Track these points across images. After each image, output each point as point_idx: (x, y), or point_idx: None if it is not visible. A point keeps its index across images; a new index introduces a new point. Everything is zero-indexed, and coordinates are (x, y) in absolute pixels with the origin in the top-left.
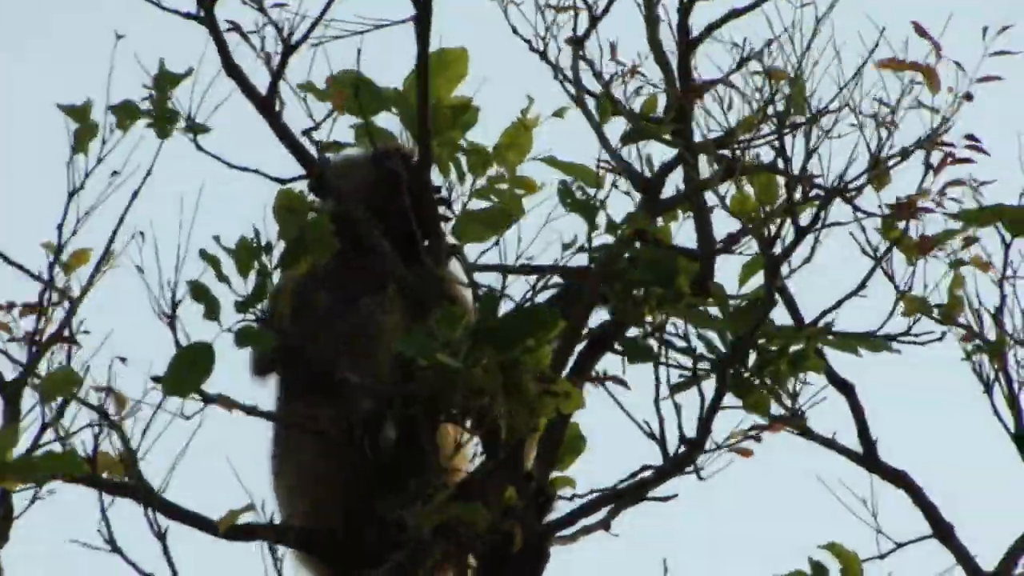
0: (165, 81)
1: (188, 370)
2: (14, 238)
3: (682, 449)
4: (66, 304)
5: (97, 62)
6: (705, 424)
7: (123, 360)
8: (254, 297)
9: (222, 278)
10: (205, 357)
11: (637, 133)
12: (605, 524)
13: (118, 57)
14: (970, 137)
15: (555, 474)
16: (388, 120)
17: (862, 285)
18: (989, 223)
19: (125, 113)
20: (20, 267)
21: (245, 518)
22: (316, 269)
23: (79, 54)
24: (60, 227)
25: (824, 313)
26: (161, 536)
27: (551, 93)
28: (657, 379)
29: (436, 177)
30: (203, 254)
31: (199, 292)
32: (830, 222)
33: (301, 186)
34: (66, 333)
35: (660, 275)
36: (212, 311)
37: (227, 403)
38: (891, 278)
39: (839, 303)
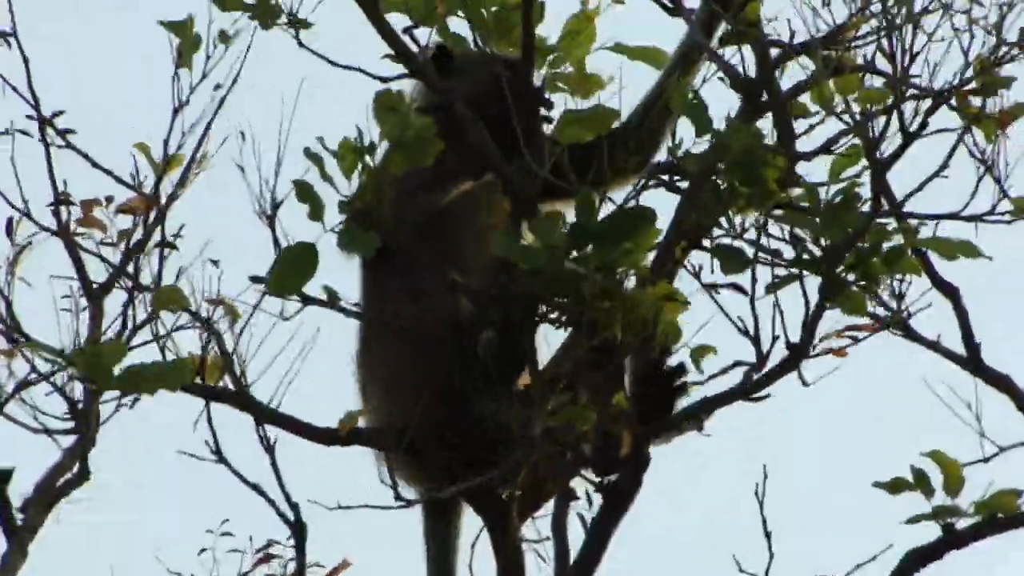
0: None
1: (292, 269)
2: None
3: (785, 354)
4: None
5: None
6: (810, 328)
7: (215, 263)
8: (358, 197)
9: (326, 178)
10: (309, 256)
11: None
12: (698, 425)
13: None
14: None
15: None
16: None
17: (945, 164)
18: None
19: (229, 3)
20: (108, 172)
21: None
22: (417, 170)
23: None
24: (166, 142)
25: (909, 195)
26: (270, 448)
27: None
28: (754, 279)
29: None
30: (307, 153)
31: (304, 191)
32: (937, 128)
33: (401, 86)
34: (158, 237)
35: (747, 173)
36: (316, 211)
37: (332, 302)
38: (997, 181)
39: (923, 184)
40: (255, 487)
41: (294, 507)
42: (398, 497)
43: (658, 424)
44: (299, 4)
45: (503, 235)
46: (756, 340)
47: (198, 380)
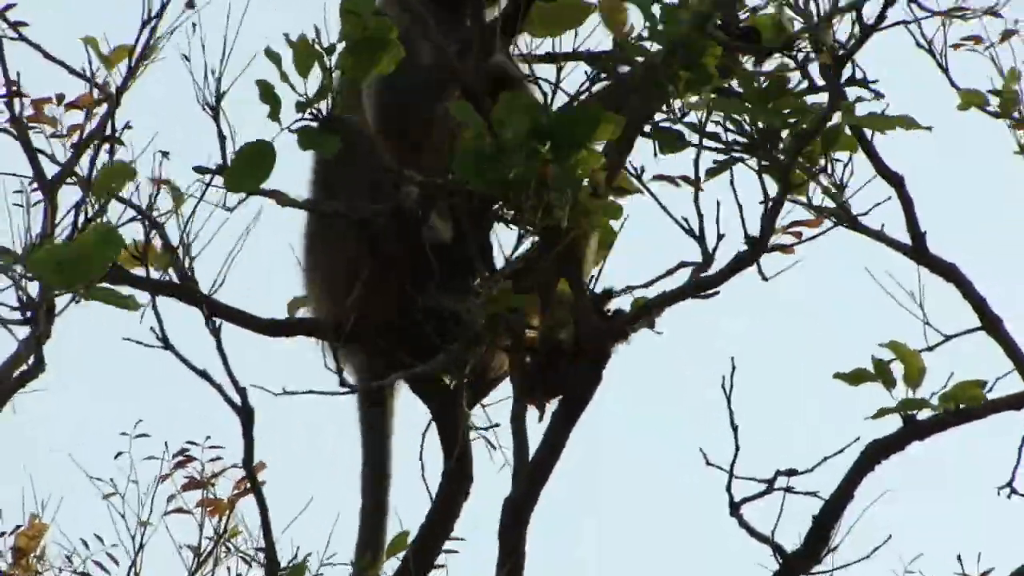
0: None
1: (249, 166)
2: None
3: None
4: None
5: None
6: (770, 219)
7: (165, 154)
8: (316, 97)
9: (284, 78)
10: (266, 154)
11: None
12: (649, 322)
13: None
14: None
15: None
16: None
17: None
18: None
19: None
20: (61, 63)
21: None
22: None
23: None
24: (131, 50)
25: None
26: (215, 332)
27: None
28: (697, 173)
29: None
30: (267, 52)
31: (265, 90)
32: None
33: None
34: (108, 131)
35: (686, 57)
36: (275, 110)
37: (280, 197)
38: (942, 68)
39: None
40: (202, 373)
41: (241, 392)
42: (343, 383)
43: (609, 323)
44: None
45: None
46: (701, 238)
47: (141, 270)
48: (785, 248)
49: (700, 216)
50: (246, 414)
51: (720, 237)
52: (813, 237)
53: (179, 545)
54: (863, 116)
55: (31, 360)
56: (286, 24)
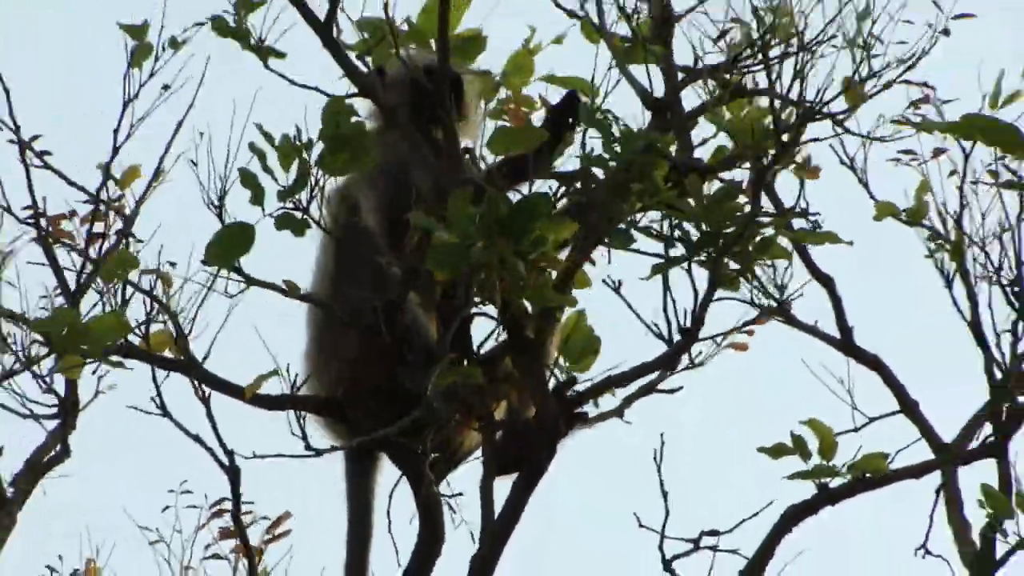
0: (243, 6)
1: (230, 244)
2: (73, 144)
3: (677, 339)
4: (121, 217)
5: None
6: (699, 313)
7: (173, 264)
8: (294, 188)
9: (267, 169)
10: (245, 234)
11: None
12: (619, 412)
13: None
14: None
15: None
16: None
17: (795, 139)
18: (955, 132)
19: (222, 27)
20: (80, 188)
21: (271, 385)
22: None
23: None
24: (115, 131)
25: (790, 210)
26: (205, 400)
27: (549, 22)
28: (666, 287)
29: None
30: (251, 147)
31: (247, 178)
32: (809, 138)
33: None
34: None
35: (639, 172)
36: (257, 197)
37: (292, 289)
38: (865, 184)
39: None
40: (195, 437)
41: (229, 454)
42: (308, 447)
43: (564, 407)
44: (267, 30)
45: (422, 214)
46: (669, 340)
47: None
48: (740, 347)
49: (668, 320)
50: (233, 473)
51: (679, 330)
52: (745, 325)
53: None
54: (796, 231)
55: (58, 448)
56: (275, 119)
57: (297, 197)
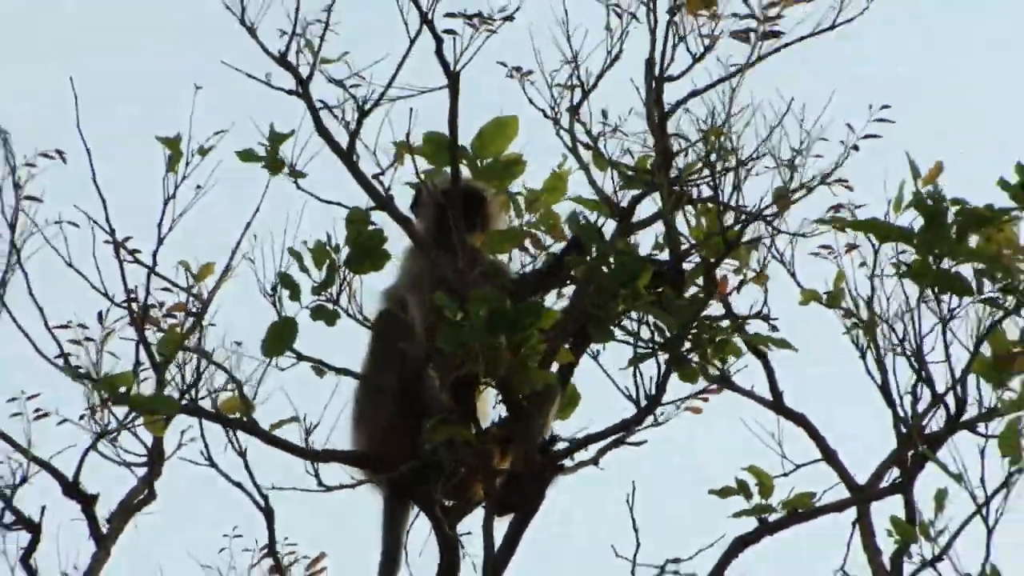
0: (275, 138)
1: (278, 338)
2: (125, 230)
3: (644, 403)
4: (197, 306)
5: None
6: (660, 386)
7: (239, 343)
8: (325, 283)
9: (303, 269)
10: (290, 327)
11: (629, 180)
12: (595, 461)
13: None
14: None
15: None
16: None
17: (732, 242)
18: (862, 230)
19: (246, 156)
20: (171, 281)
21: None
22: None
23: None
24: (159, 225)
25: (741, 318)
26: (242, 453)
27: (553, 146)
28: (636, 365)
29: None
30: (290, 251)
31: (285, 279)
32: (749, 239)
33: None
34: (197, 332)
35: (626, 279)
36: (295, 293)
37: (319, 365)
38: (793, 275)
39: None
40: (236, 484)
41: (264, 497)
42: (320, 483)
43: (548, 461)
44: (298, 156)
45: (443, 295)
46: (637, 402)
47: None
48: (695, 410)
49: (638, 388)
50: (268, 513)
51: (646, 397)
52: (700, 392)
53: None
54: (753, 334)
55: (146, 492)
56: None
57: (329, 292)
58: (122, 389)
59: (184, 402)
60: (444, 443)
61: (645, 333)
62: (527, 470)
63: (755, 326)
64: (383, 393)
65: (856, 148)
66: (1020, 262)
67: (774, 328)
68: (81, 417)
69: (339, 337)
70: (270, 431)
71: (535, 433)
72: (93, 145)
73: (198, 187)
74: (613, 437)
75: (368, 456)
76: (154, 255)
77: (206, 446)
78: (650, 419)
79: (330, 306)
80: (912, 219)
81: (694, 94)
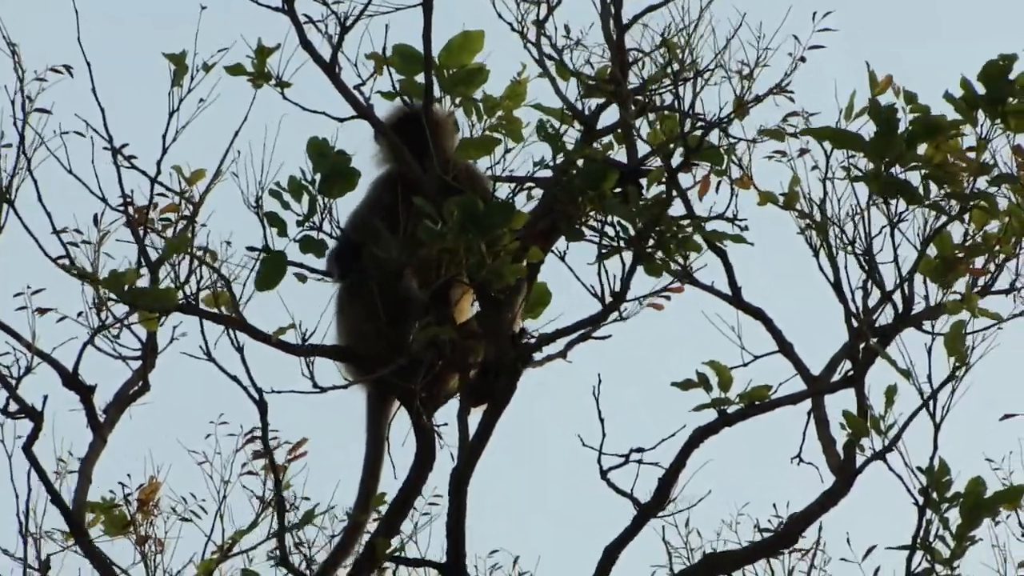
0: (261, 52)
1: (269, 272)
2: (132, 140)
3: (609, 300)
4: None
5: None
6: (625, 283)
7: (228, 243)
8: (307, 215)
9: (285, 206)
10: (280, 261)
11: (590, 89)
12: (563, 354)
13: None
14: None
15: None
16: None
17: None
18: (819, 138)
19: (235, 70)
20: (166, 187)
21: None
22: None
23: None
24: (164, 136)
25: (711, 218)
26: (239, 349)
27: (523, 57)
28: (601, 259)
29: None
30: (271, 191)
31: (272, 218)
32: (707, 147)
33: (328, 132)
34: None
35: (593, 182)
36: (282, 230)
37: (305, 270)
38: (750, 178)
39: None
40: (233, 377)
41: (258, 390)
42: (315, 385)
43: (518, 352)
44: (283, 68)
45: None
46: (602, 299)
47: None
48: (657, 306)
49: (602, 284)
50: (262, 406)
51: (611, 294)
52: (663, 290)
53: (251, 495)
54: (711, 231)
55: (140, 383)
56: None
57: (311, 221)
58: (126, 287)
59: (180, 299)
60: (427, 341)
61: (611, 232)
62: (500, 362)
63: (716, 225)
64: (362, 295)
65: (803, 59)
66: (964, 170)
67: (745, 228)
68: (79, 314)
69: None
70: (271, 335)
71: (506, 326)
72: (107, 65)
73: (201, 100)
74: (580, 332)
75: (353, 352)
76: (158, 163)
77: (205, 342)
78: (615, 315)
79: (316, 235)
80: (861, 125)
81: (651, 8)
